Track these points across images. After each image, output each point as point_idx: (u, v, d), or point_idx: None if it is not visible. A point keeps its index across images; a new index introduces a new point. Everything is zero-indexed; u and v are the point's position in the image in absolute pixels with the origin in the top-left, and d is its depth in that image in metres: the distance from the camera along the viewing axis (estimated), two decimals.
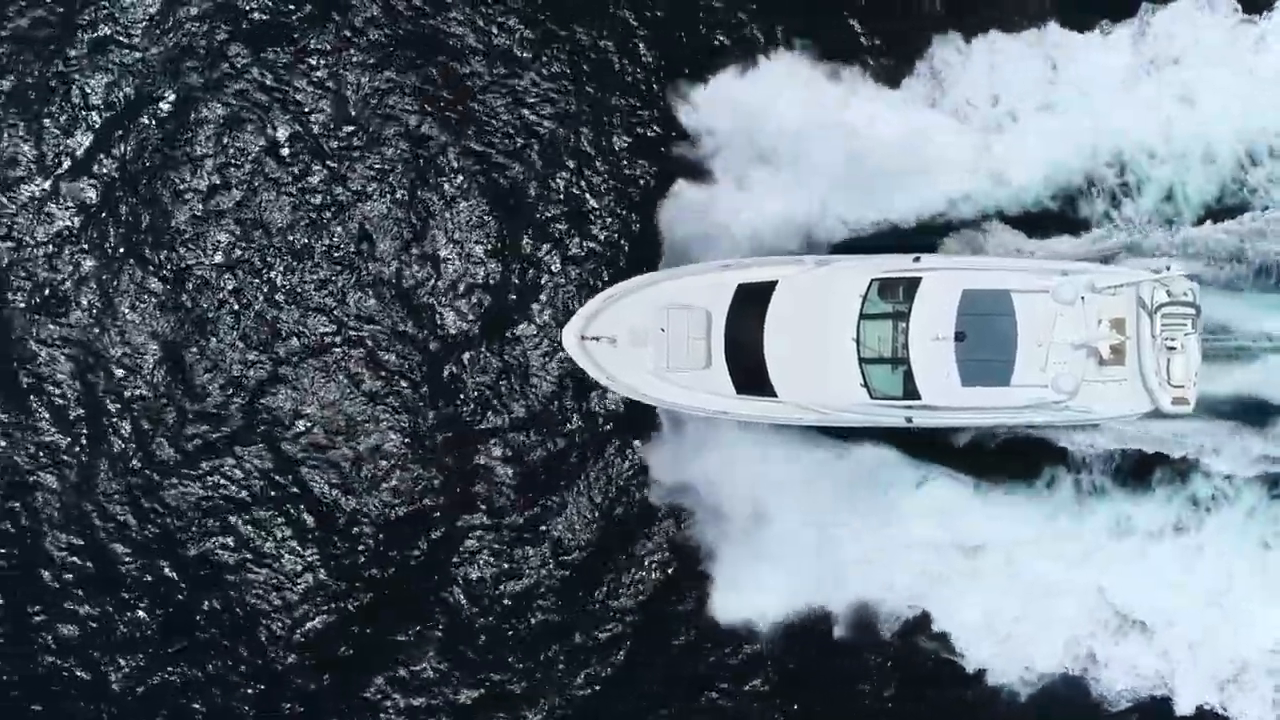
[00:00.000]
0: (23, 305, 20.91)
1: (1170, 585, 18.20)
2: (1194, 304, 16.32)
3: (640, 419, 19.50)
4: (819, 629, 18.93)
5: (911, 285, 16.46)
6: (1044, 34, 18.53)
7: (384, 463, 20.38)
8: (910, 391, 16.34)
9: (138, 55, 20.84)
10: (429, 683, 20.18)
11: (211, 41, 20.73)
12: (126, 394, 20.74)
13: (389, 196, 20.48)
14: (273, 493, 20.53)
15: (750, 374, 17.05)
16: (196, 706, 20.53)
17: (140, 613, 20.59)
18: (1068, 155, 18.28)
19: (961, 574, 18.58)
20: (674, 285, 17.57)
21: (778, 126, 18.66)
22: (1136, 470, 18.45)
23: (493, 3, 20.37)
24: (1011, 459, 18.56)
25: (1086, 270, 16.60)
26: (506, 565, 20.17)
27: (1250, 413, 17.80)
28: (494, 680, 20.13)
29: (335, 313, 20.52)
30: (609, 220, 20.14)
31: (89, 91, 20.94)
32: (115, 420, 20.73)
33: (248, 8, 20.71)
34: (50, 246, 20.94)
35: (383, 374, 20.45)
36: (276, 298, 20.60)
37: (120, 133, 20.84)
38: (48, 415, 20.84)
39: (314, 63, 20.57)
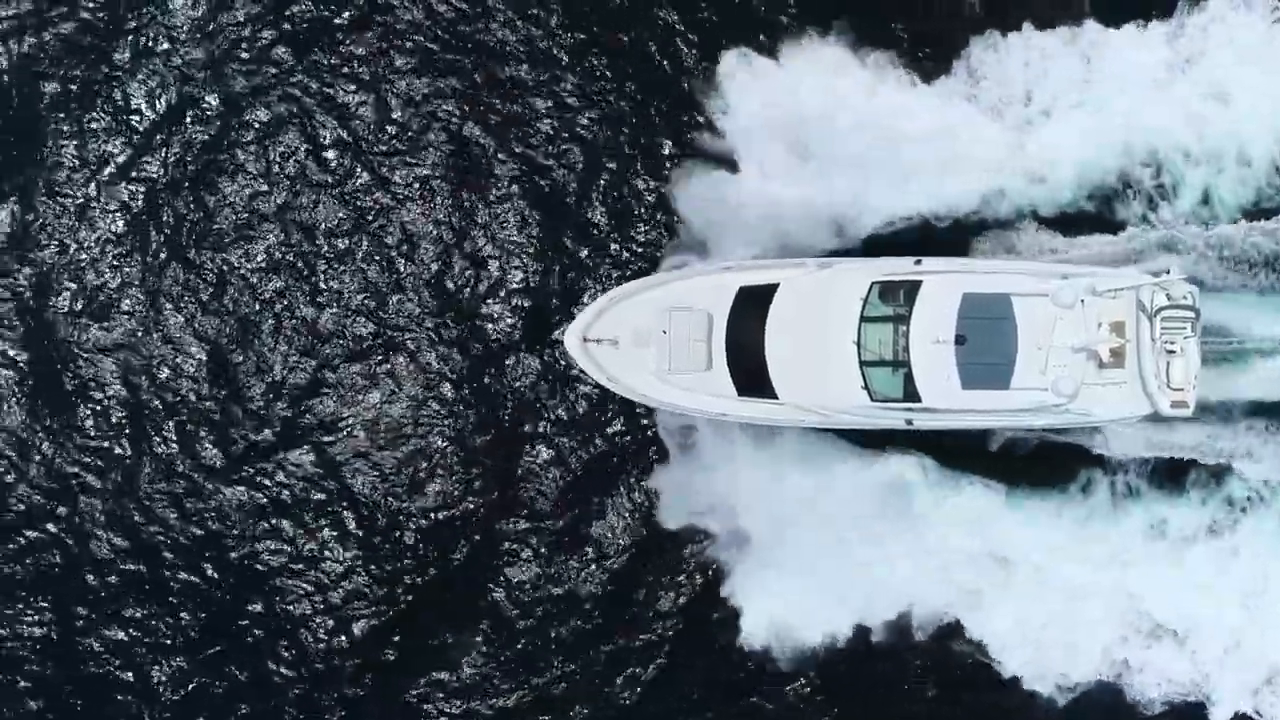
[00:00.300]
0: (67, 309, 20.93)
1: (1205, 589, 18.17)
2: (1194, 307, 16.35)
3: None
4: (857, 636, 18.96)
5: (912, 288, 16.50)
6: (1080, 31, 18.46)
7: (425, 465, 20.42)
8: (911, 394, 16.38)
9: (182, 60, 20.84)
10: (470, 686, 20.21)
11: (255, 46, 20.76)
12: (170, 398, 20.78)
13: (431, 199, 20.49)
14: (315, 496, 20.57)
15: (751, 376, 17.09)
16: (239, 708, 20.59)
17: (184, 615, 20.64)
18: (1101, 153, 18.25)
19: (995, 581, 18.57)
20: (675, 287, 17.64)
21: (812, 118, 18.64)
22: (1171, 471, 18.49)
23: (534, 5, 20.39)
24: (1044, 464, 18.64)
25: (1086, 274, 16.63)
26: (547, 568, 20.20)
27: None
28: (535, 683, 20.18)
29: (378, 316, 20.56)
30: (650, 221, 20.12)
31: (133, 96, 20.93)
32: (159, 424, 20.78)
33: (291, 12, 20.73)
34: (94, 251, 20.96)
35: (424, 377, 20.49)
36: (319, 300, 20.63)
37: (164, 137, 20.87)
38: (92, 419, 20.87)
39: (356, 66, 20.59)
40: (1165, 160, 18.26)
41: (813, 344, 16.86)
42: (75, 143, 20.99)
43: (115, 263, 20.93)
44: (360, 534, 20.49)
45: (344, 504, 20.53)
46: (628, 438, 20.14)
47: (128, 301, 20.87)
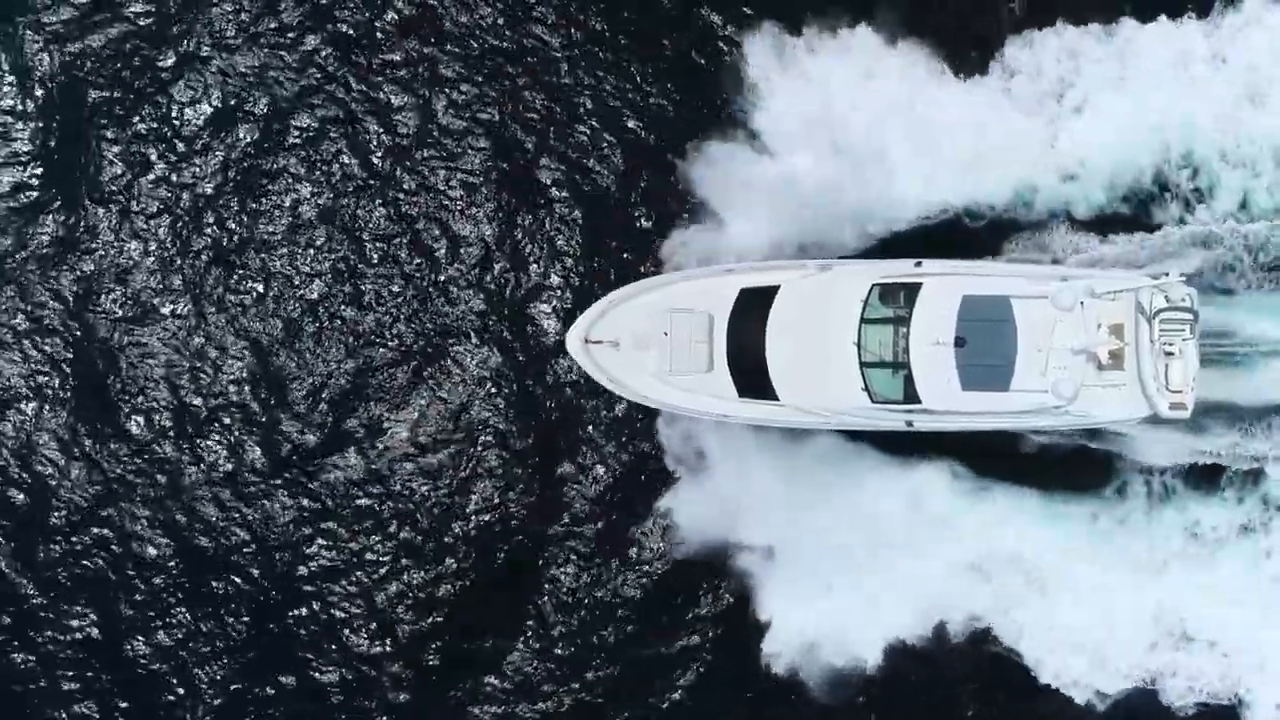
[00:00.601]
0: (112, 313, 20.92)
1: (1240, 591, 18.21)
2: (1192, 309, 16.43)
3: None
4: (890, 642, 19.00)
5: (912, 290, 16.57)
6: (1115, 28, 18.52)
7: (468, 469, 20.44)
8: (911, 395, 16.44)
9: (227, 65, 20.87)
10: (511, 689, 20.23)
11: (300, 50, 20.78)
12: (215, 401, 20.81)
13: (473, 202, 20.52)
14: (359, 499, 20.60)
15: (752, 377, 17.16)
16: (283, 711, 20.58)
17: (229, 618, 20.64)
18: (1135, 152, 18.32)
19: (1028, 586, 18.62)
20: (677, 289, 17.70)
21: (842, 106, 18.72)
22: (1206, 471, 18.53)
23: (575, 9, 20.46)
24: (1079, 467, 18.71)
25: (1086, 276, 16.70)
26: (588, 571, 20.20)
27: None
28: (575, 686, 20.19)
29: (420, 319, 20.58)
30: (690, 221, 20.07)
31: (177, 101, 20.91)
32: (204, 428, 20.79)
33: (336, 17, 20.74)
34: (139, 255, 20.97)
35: (467, 380, 20.51)
36: (363, 303, 20.66)
37: (209, 142, 20.88)
38: (138, 424, 20.86)
39: (400, 70, 20.63)
40: (1201, 162, 18.32)
41: (813, 345, 16.92)
42: (120, 148, 20.96)
43: (160, 267, 20.94)
44: (403, 537, 20.48)
45: (387, 507, 20.54)
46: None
47: (172, 306, 20.90)
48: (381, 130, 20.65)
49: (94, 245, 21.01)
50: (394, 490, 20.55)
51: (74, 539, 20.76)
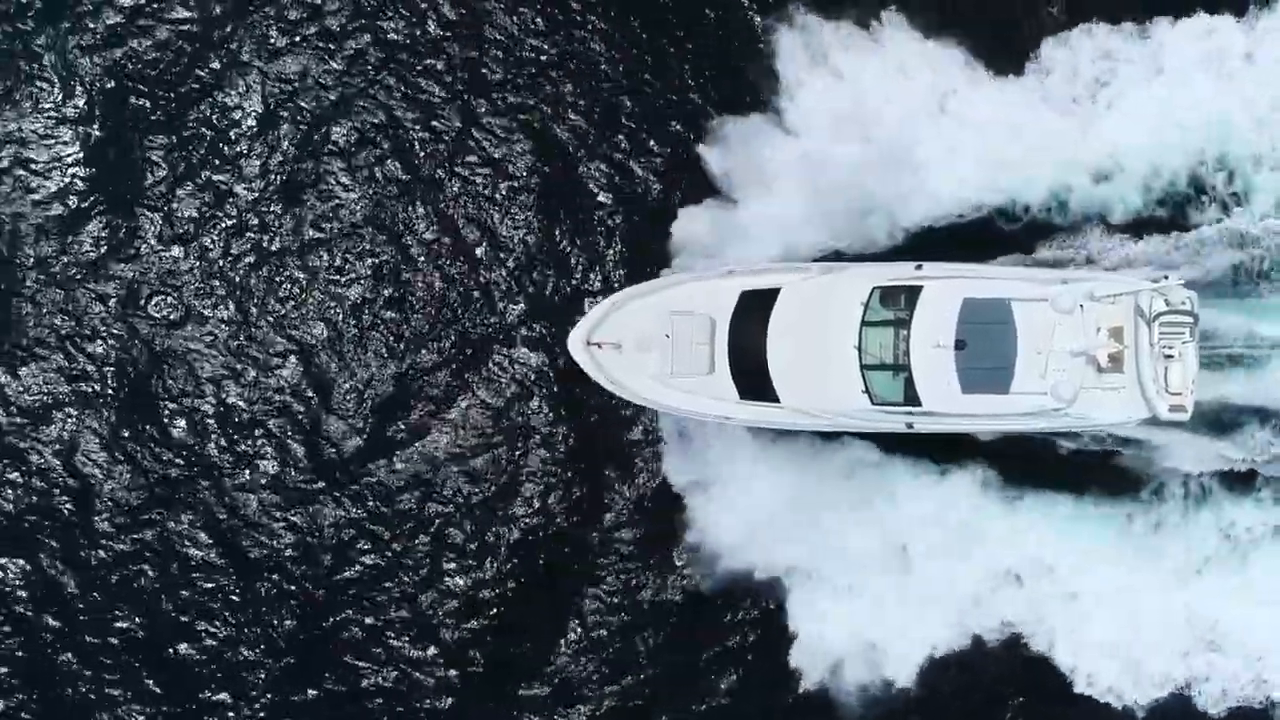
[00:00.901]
0: (159, 318, 20.93)
1: (1274, 593, 18.17)
2: (1192, 313, 16.50)
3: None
4: (924, 650, 19.02)
5: (913, 293, 16.63)
6: (1150, 28, 18.49)
7: (511, 473, 20.47)
8: (911, 397, 16.50)
9: (271, 70, 20.86)
10: (553, 692, 20.29)
11: (343, 56, 20.79)
12: (259, 406, 20.82)
13: (516, 205, 20.56)
14: (402, 502, 20.61)
15: (753, 379, 17.22)
16: (326, 715, 20.61)
17: (274, 621, 20.67)
18: (1169, 153, 18.31)
19: (1061, 591, 18.58)
20: (678, 291, 17.76)
21: (874, 99, 18.73)
22: (1240, 473, 18.52)
23: (617, 15, 20.51)
24: (1112, 471, 18.79)
25: (1085, 279, 16.76)
26: (630, 576, 20.24)
27: None
28: (617, 689, 20.22)
29: (463, 322, 20.60)
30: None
31: (223, 105, 20.90)
32: (248, 432, 20.83)
33: (381, 26, 20.76)
34: (182, 259, 20.97)
35: (509, 383, 20.55)
36: (405, 306, 20.67)
37: (254, 145, 20.88)
38: (182, 427, 20.88)
39: (444, 75, 20.64)
40: (1236, 164, 18.31)
41: (814, 348, 16.98)
42: (164, 152, 20.94)
43: (203, 271, 20.94)
44: (446, 540, 20.52)
45: (429, 510, 20.56)
46: None
47: (215, 310, 20.90)
48: (424, 134, 20.64)
49: (138, 249, 20.99)
50: (436, 493, 20.57)
51: (118, 543, 20.78)
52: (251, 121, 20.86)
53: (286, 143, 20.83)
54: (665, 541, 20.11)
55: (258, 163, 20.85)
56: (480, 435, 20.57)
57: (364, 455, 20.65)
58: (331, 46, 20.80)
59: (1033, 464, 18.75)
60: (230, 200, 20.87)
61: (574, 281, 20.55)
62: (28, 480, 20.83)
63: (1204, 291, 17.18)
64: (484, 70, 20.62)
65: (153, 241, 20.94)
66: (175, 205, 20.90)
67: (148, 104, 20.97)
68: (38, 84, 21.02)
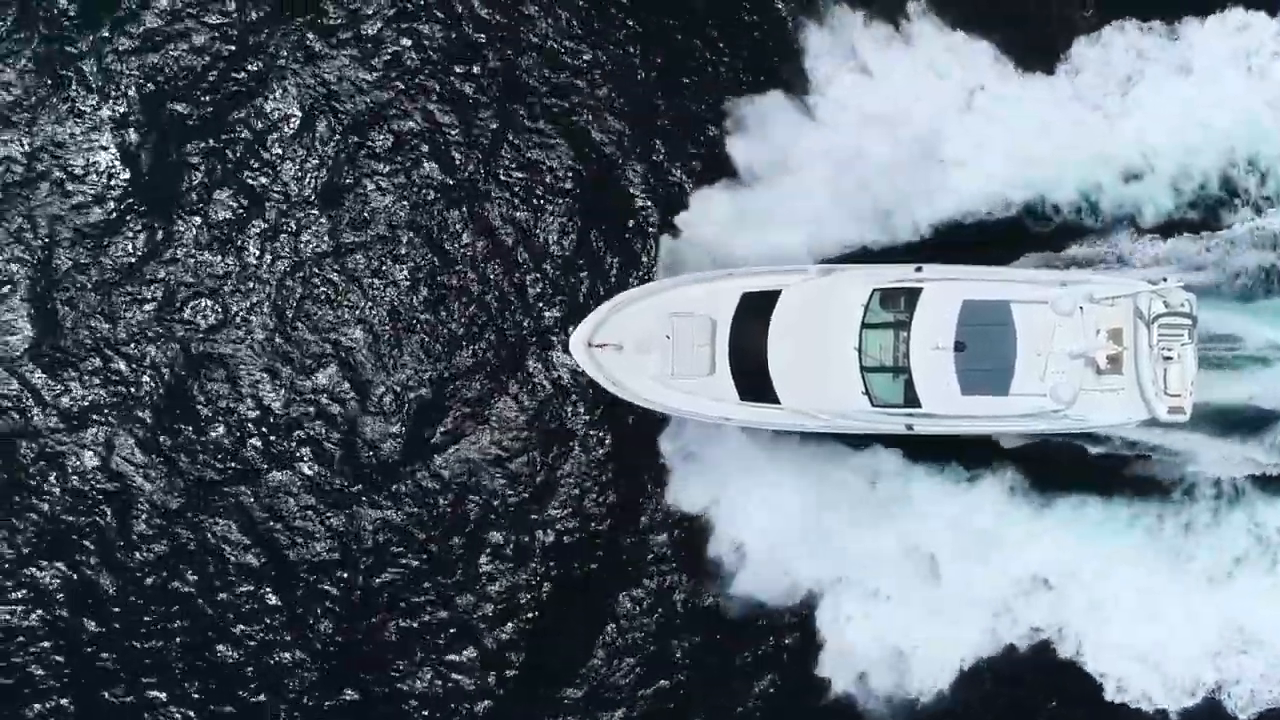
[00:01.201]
0: (196, 323, 20.90)
1: None
2: (1190, 315, 16.56)
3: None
4: (951, 654, 19.02)
5: (913, 295, 16.69)
6: (1179, 26, 18.55)
7: (546, 475, 20.45)
8: (911, 399, 16.57)
9: (308, 74, 20.85)
10: (589, 695, 20.23)
11: (380, 60, 20.75)
12: (296, 409, 20.78)
13: (555, 209, 20.54)
14: (440, 505, 20.59)
15: (753, 381, 17.28)
16: (367, 719, 20.63)
17: (314, 625, 20.61)
18: (1200, 154, 18.33)
19: (1092, 596, 18.51)
20: (679, 293, 17.80)
21: (904, 94, 18.79)
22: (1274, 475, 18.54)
23: (652, 15, 20.53)
24: (1140, 475, 18.83)
25: (1085, 281, 16.83)
26: (665, 579, 20.21)
27: None
28: (651, 693, 20.19)
29: (502, 327, 20.59)
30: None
31: (261, 110, 20.87)
32: (286, 434, 20.78)
33: (419, 29, 20.73)
34: (219, 263, 20.93)
35: (545, 386, 20.54)
36: (444, 310, 20.67)
37: (289, 150, 20.85)
38: (222, 432, 20.84)
39: (484, 79, 20.64)
40: (1269, 165, 18.33)
41: (814, 349, 17.04)
42: (200, 158, 20.92)
43: (240, 274, 20.92)
44: (482, 543, 20.48)
45: (468, 513, 20.52)
46: None
47: (255, 314, 20.87)
48: (460, 137, 20.64)
49: (175, 253, 20.93)
50: (472, 495, 20.53)
51: (157, 546, 20.74)
52: (289, 125, 20.86)
53: (324, 146, 20.82)
54: (699, 545, 20.00)
55: (295, 166, 20.84)
56: (517, 438, 20.56)
57: (401, 457, 20.62)
58: (369, 50, 20.82)
59: (1061, 468, 18.75)
60: (267, 204, 20.86)
61: (610, 283, 20.47)
62: (66, 484, 20.84)
63: (1230, 294, 17.37)
64: (521, 73, 20.63)
65: (190, 245, 20.93)
66: (212, 209, 20.90)
67: (185, 108, 20.98)
68: (75, 89, 21.03)
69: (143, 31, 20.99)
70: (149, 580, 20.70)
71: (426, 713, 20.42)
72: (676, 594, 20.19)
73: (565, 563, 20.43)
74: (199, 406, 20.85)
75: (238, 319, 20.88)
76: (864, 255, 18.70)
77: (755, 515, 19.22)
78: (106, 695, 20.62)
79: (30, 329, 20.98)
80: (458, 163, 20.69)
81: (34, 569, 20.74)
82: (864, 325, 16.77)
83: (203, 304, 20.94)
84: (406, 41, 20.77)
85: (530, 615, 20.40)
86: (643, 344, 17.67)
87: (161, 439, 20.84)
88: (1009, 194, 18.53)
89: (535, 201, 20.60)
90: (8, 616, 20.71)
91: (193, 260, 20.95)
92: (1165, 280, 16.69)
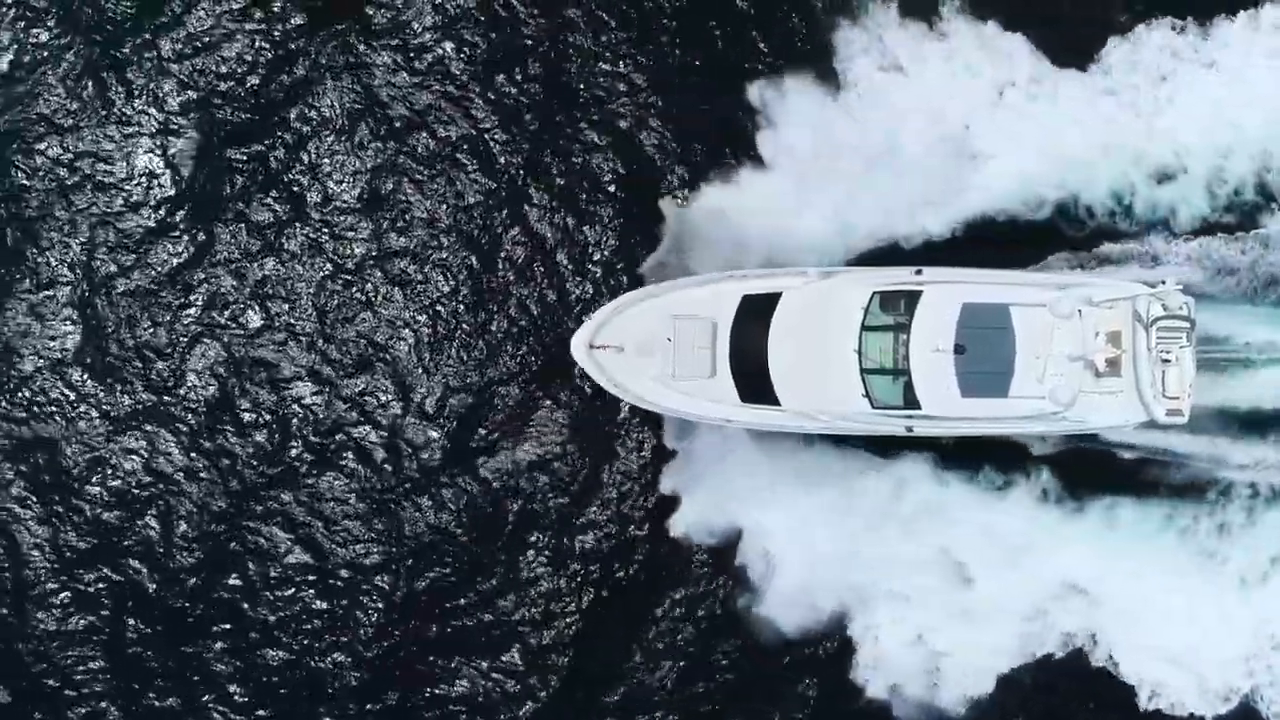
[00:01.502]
0: (240, 328, 20.91)
1: None
2: (1189, 318, 16.64)
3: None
4: (984, 660, 19.00)
5: (912, 298, 16.76)
6: (1213, 28, 18.57)
7: (586, 481, 20.47)
8: (911, 401, 16.65)
9: (351, 79, 20.83)
10: (627, 703, 20.27)
11: (423, 66, 20.75)
12: (337, 414, 20.79)
13: (596, 213, 20.52)
14: (482, 511, 20.57)
15: (754, 383, 17.35)
16: None
17: (357, 628, 20.61)
18: (1234, 159, 18.36)
19: (1126, 601, 18.45)
20: (680, 295, 17.85)
21: (936, 90, 18.83)
22: None
23: (692, 17, 20.56)
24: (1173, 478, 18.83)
25: (1084, 284, 16.92)
26: (705, 585, 20.20)
27: None
28: (688, 699, 20.21)
29: (544, 331, 20.61)
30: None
31: (301, 115, 20.86)
32: (327, 440, 20.80)
33: (462, 35, 20.74)
34: (266, 270, 20.93)
35: (586, 392, 20.45)
36: (487, 314, 20.66)
37: (332, 155, 20.85)
38: (265, 436, 20.85)
39: (526, 85, 20.67)
40: None
41: (815, 352, 17.12)
42: (245, 162, 20.89)
43: (285, 279, 20.89)
44: (526, 546, 20.49)
45: (510, 517, 20.51)
46: None
47: (298, 318, 20.87)
48: (503, 140, 20.65)
49: (218, 257, 20.96)
50: (515, 499, 20.54)
51: (201, 549, 20.76)
52: (331, 129, 20.86)
53: (365, 150, 20.81)
54: (729, 554, 19.97)
55: (337, 171, 20.84)
56: (557, 441, 20.56)
57: (443, 460, 20.60)
58: (411, 54, 20.81)
59: (1093, 472, 18.76)
60: (310, 209, 20.86)
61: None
62: (109, 488, 20.88)
63: (1257, 298, 17.45)
64: (564, 77, 20.64)
65: (232, 249, 20.94)
66: (255, 212, 20.91)
67: (228, 113, 20.99)
68: (118, 95, 21.04)
69: (185, 35, 21.03)
70: (191, 582, 20.74)
71: (467, 716, 20.45)
72: (714, 598, 20.20)
73: (605, 566, 20.44)
74: (242, 411, 20.88)
75: (280, 322, 20.90)
76: (893, 250, 18.75)
77: (785, 524, 19.23)
78: (150, 697, 20.68)
79: (74, 333, 21.02)
80: (499, 166, 20.71)
81: (78, 571, 20.78)
82: (864, 327, 16.85)
83: (245, 307, 20.95)
84: (449, 45, 20.79)
85: (570, 618, 20.42)
86: (644, 346, 17.74)
87: (204, 442, 20.88)
88: (1042, 192, 18.53)
89: (577, 204, 20.60)
90: (52, 619, 20.77)
91: (235, 264, 20.98)
92: (1164, 283, 16.77)
